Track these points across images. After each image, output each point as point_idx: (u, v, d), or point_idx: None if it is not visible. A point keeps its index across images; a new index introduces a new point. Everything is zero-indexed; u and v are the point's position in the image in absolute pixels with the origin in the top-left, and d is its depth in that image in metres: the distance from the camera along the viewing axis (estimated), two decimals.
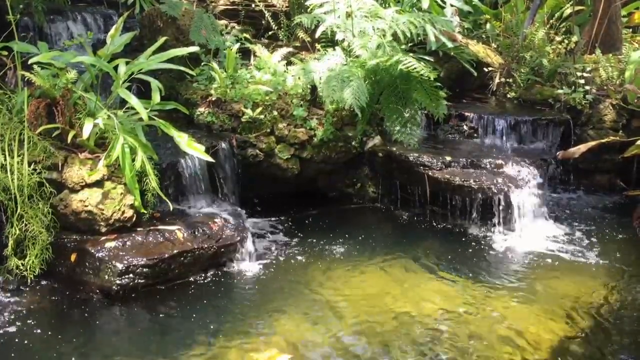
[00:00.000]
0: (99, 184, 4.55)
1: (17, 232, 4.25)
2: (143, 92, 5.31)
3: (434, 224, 5.83)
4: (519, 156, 6.11)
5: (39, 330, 3.96)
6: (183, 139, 4.75)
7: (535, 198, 5.69)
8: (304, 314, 4.26)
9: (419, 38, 6.33)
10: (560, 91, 6.79)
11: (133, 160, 4.51)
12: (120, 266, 4.28)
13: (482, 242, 5.48)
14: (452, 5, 7.04)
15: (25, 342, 3.84)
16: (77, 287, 4.39)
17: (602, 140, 6.36)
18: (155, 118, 4.81)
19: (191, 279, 4.60)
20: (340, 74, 5.59)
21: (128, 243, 4.46)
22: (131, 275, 4.31)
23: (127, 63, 4.90)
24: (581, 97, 6.67)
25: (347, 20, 6.13)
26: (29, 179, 4.31)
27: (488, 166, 5.82)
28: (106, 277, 4.30)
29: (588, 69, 6.87)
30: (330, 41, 6.42)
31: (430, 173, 5.73)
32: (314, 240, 5.37)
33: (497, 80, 7.25)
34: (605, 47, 7.19)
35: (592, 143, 6.32)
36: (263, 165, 5.78)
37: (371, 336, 4.01)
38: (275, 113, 5.80)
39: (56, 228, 4.43)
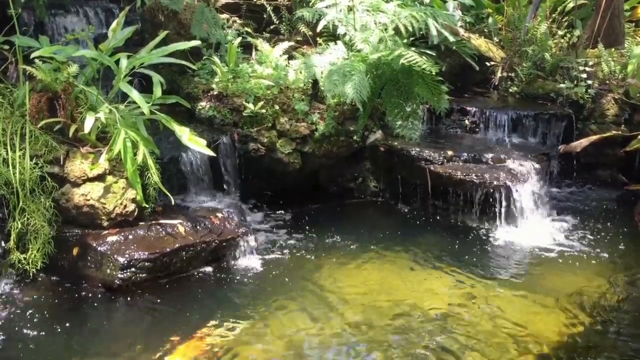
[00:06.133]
0: (100, 178, 4.56)
1: (19, 226, 4.26)
2: (144, 86, 5.31)
3: (436, 218, 5.83)
4: (520, 151, 6.11)
5: (41, 324, 3.96)
6: (184, 133, 4.75)
7: (537, 192, 5.69)
8: (303, 307, 4.26)
9: (421, 32, 6.31)
10: (562, 85, 6.77)
11: (135, 154, 4.51)
12: (122, 260, 4.29)
13: (484, 236, 5.48)
14: None
15: (28, 335, 3.85)
16: (79, 281, 4.40)
17: (604, 135, 6.35)
18: (157, 112, 4.81)
19: (193, 272, 4.62)
20: (341, 68, 5.57)
21: (130, 237, 4.47)
22: (133, 269, 4.32)
23: (128, 57, 4.89)
24: (583, 91, 6.65)
25: (349, 14, 6.11)
26: (30, 173, 4.32)
27: (490, 161, 5.82)
28: (108, 271, 4.31)
29: (590, 63, 6.85)
30: (332, 35, 6.40)
31: (431, 167, 5.73)
32: (315, 235, 5.37)
33: (499, 74, 7.23)
34: (608, 41, 7.16)
35: (594, 137, 6.31)
36: (264, 160, 5.78)
37: (371, 329, 4.02)
38: (276, 107, 5.79)
39: (58, 222, 4.44)
